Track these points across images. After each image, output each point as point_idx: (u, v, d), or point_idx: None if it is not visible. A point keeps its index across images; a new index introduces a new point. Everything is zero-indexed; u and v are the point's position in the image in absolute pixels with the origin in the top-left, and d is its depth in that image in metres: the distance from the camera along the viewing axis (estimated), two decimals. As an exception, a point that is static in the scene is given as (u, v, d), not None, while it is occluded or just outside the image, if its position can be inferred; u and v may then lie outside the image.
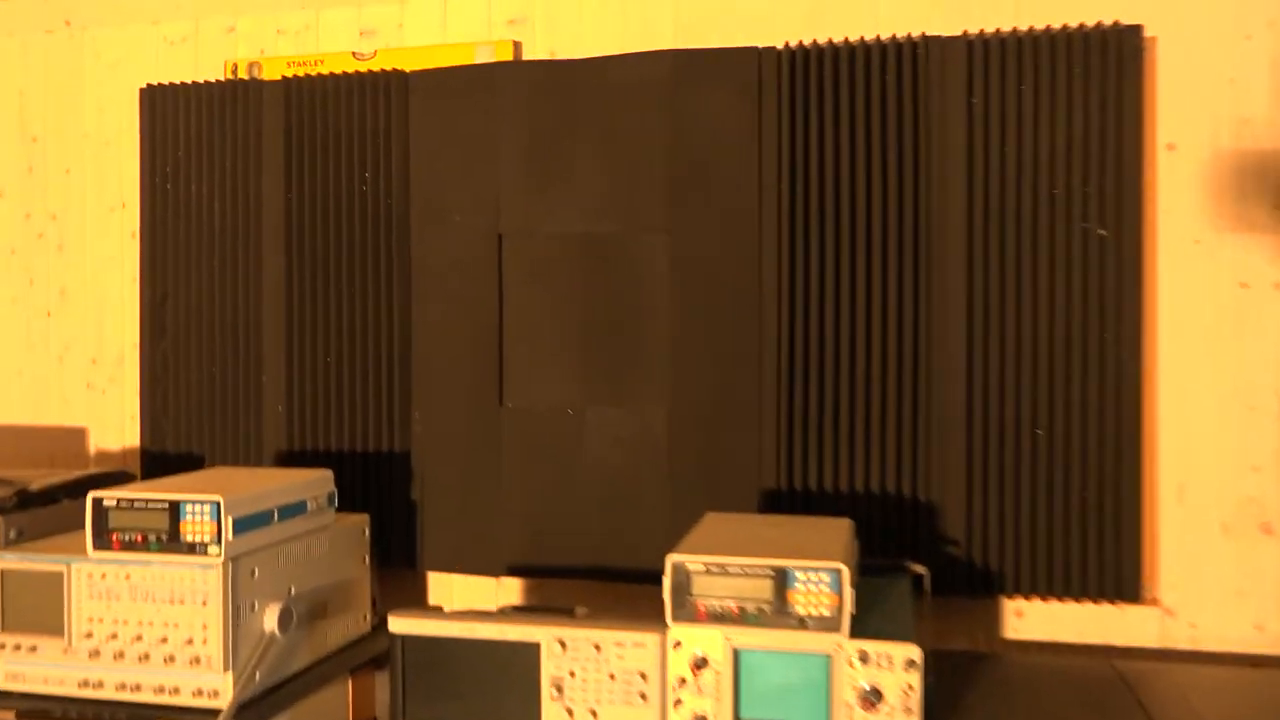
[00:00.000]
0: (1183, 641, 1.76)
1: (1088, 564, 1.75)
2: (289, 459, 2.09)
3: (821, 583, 1.25)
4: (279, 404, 2.09)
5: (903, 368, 1.81)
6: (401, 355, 2.04)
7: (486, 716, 1.44)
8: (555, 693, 1.42)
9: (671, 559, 1.30)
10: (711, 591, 1.28)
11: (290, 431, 2.09)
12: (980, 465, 1.78)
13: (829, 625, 1.25)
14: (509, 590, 2.04)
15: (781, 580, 1.26)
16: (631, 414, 1.91)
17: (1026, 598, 1.79)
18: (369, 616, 1.85)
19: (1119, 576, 1.74)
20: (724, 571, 1.28)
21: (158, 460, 2.18)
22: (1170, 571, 1.76)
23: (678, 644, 1.29)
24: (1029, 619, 1.82)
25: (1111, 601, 1.75)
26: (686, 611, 1.29)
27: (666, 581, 1.30)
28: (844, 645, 1.24)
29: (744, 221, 1.86)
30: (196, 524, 1.47)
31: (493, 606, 2.04)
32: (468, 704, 1.45)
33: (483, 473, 1.98)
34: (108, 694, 1.50)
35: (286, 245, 2.09)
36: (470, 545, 1.99)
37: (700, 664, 1.27)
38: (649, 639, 1.39)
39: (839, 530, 1.48)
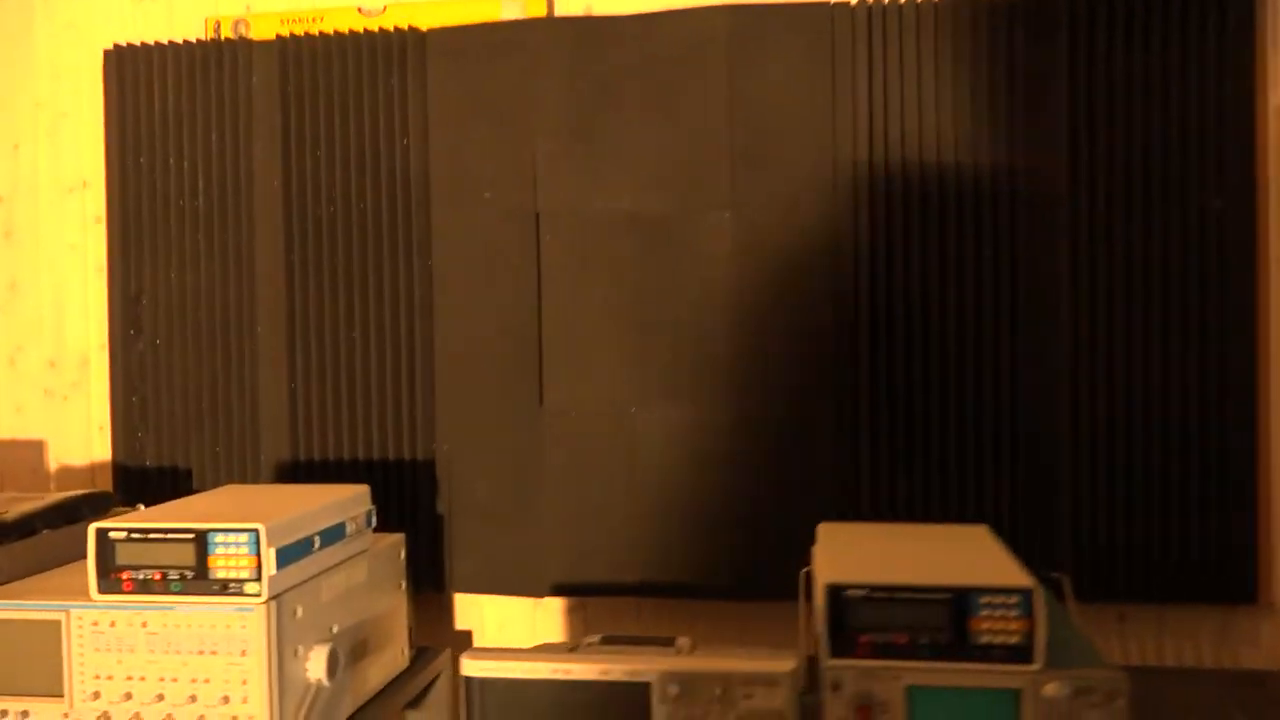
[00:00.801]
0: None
1: (1199, 566, 1.60)
2: (292, 473, 1.84)
3: (1009, 605, 1.07)
4: (281, 407, 1.83)
5: (1000, 357, 1.64)
6: (424, 352, 1.80)
7: (585, 772, 1.23)
8: (670, 742, 1.21)
9: (826, 582, 1.10)
10: (876, 622, 1.09)
11: (294, 441, 1.83)
12: (1087, 464, 1.62)
13: (1019, 655, 1.07)
14: (547, 613, 1.83)
15: (961, 605, 1.08)
16: (689, 416, 1.71)
17: (1134, 603, 1.65)
18: (406, 651, 1.61)
19: (1232, 577, 1.60)
20: (891, 598, 1.09)
21: (134, 477, 1.90)
22: (1286, 570, 1.63)
23: (837, 686, 1.09)
24: (1131, 623, 1.67)
25: (1226, 604, 1.62)
26: (846, 645, 1.10)
27: (821, 611, 1.11)
28: (1037, 678, 1.07)
29: (817, 196, 1.67)
30: (230, 558, 1.22)
31: (533, 631, 1.82)
32: (559, 757, 1.24)
33: (520, 482, 1.76)
34: (120, 765, 1.24)
35: (285, 230, 1.83)
36: (506, 564, 1.77)
37: (867, 707, 1.08)
38: (782, 676, 1.19)
39: (987, 540, 1.30)
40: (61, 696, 1.25)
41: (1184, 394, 1.60)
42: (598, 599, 1.81)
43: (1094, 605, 1.65)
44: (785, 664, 1.20)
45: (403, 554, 1.61)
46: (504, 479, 1.76)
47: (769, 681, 1.19)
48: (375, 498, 1.80)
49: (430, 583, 1.79)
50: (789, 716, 1.19)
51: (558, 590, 1.75)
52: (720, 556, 1.70)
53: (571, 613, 1.81)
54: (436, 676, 1.70)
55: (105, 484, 1.96)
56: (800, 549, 1.60)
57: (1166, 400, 1.60)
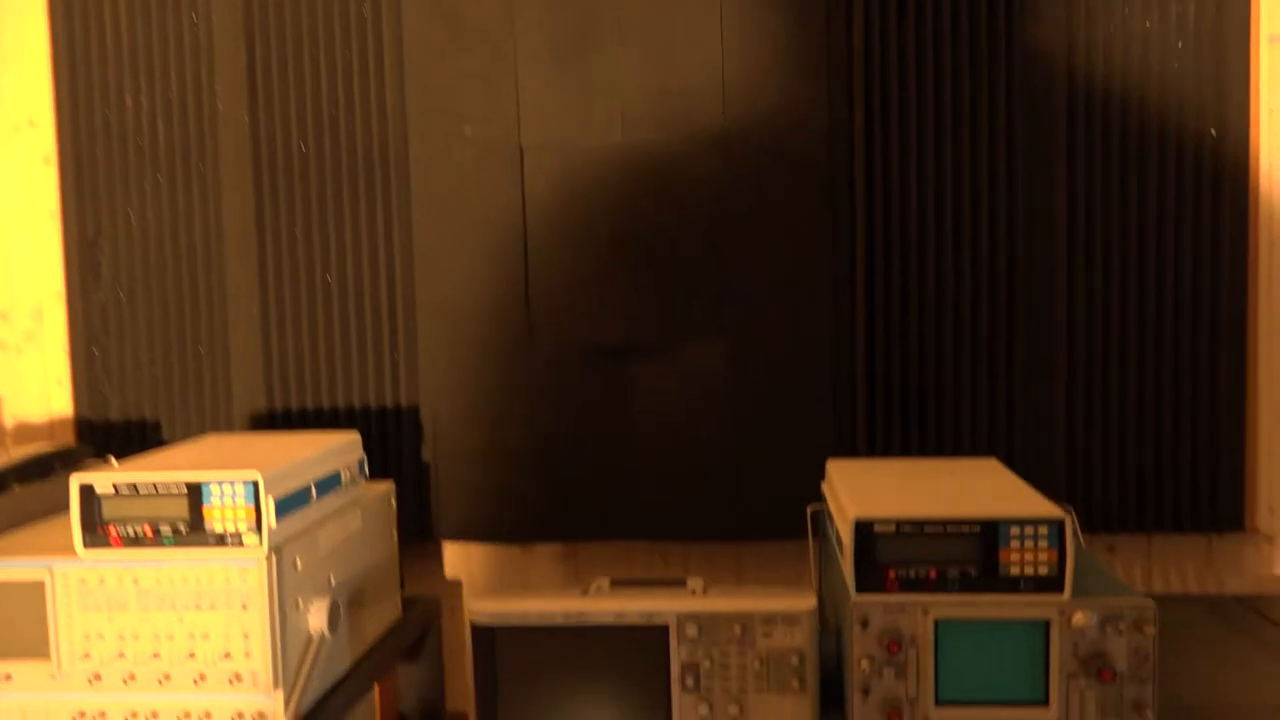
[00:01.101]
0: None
1: (1190, 496, 1.62)
2: (268, 424, 1.77)
3: (1040, 537, 1.05)
4: (254, 354, 1.76)
5: (996, 288, 1.62)
6: (405, 295, 1.74)
7: (601, 716, 1.21)
8: (689, 683, 1.19)
9: (855, 518, 1.08)
10: (905, 556, 1.07)
11: (269, 390, 1.76)
12: (1082, 395, 1.62)
13: (1048, 586, 1.06)
14: (537, 561, 1.79)
15: (990, 537, 1.06)
16: (684, 353, 1.67)
17: (1124, 533, 1.66)
18: (399, 600, 1.57)
19: (1221, 505, 1.62)
20: (920, 532, 1.07)
21: (98, 431, 1.82)
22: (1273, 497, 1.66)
23: (865, 622, 1.08)
24: (1120, 554, 1.69)
25: (1213, 531, 1.64)
26: (874, 581, 1.08)
27: (848, 546, 1.09)
28: (1066, 608, 1.06)
29: (812, 127, 1.63)
30: (227, 509, 1.16)
31: (524, 580, 1.79)
32: (573, 702, 1.21)
33: (509, 427, 1.71)
34: (115, 727, 1.19)
35: (254, 169, 1.74)
36: (495, 511, 1.73)
37: (896, 642, 1.06)
38: (802, 613, 1.18)
39: (1002, 471, 1.29)
40: (47, 657, 1.19)
41: (1176, 321, 1.60)
42: (588, 545, 1.78)
43: (1085, 536, 1.66)
44: (805, 601, 1.18)
45: (393, 502, 1.56)
46: (491, 424, 1.72)
47: (790, 620, 1.18)
48: (358, 446, 1.74)
49: (418, 532, 1.74)
50: (810, 654, 1.18)
51: (548, 536, 1.72)
52: (715, 497, 1.68)
53: (563, 560, 1.78)
54: (429, 627, 1.67)
55: (66, 439, 1.87)
56: (798, 487, 1.58)
57: (1160, 328, 1.61)
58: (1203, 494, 1.62)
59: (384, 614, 1.50)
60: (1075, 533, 1.06)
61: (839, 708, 1.18)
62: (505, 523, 1.73)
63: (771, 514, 1.64)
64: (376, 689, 1.65)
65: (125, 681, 1.18)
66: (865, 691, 1.08)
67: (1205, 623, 1.48)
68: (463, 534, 1.74)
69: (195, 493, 1.17)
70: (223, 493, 1.16)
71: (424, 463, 1.75)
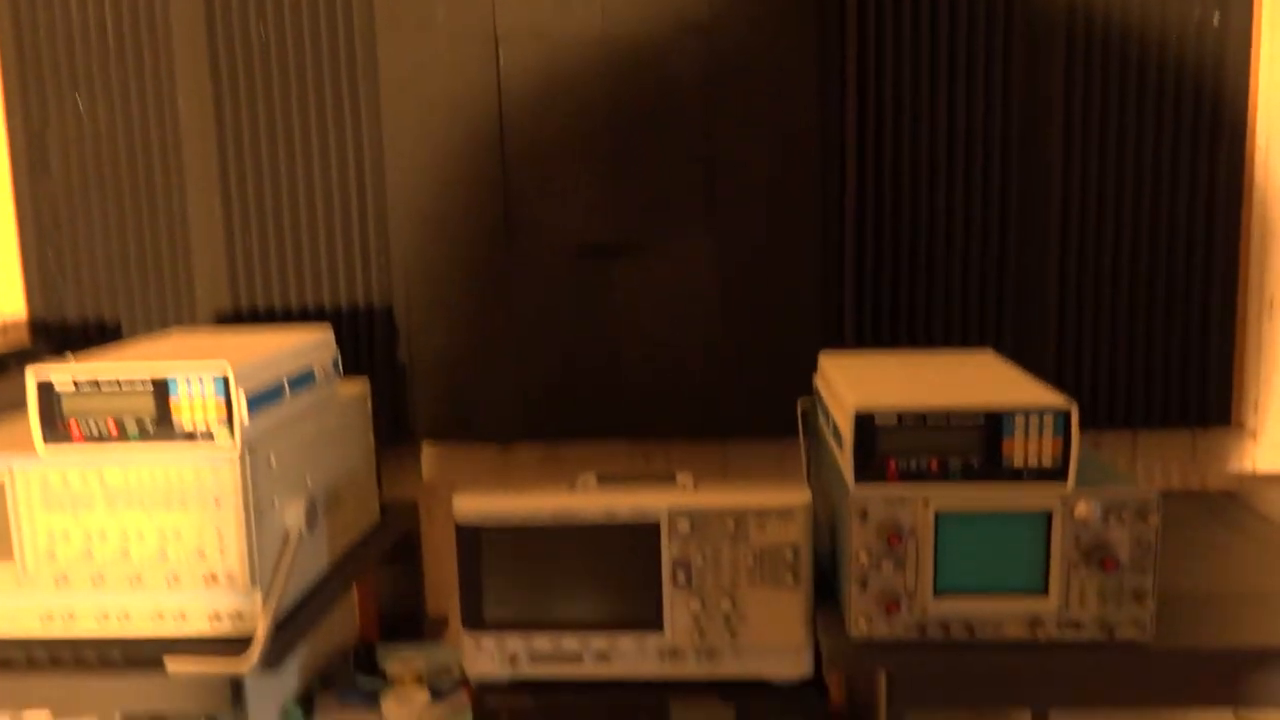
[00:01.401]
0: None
1: (1179, 392, 1.61)
2: (234, 321, 1.70)
3: (1045, 427, 1.03)
4: (217, 249, 1.68)
5: (990, 177, 1.58)
6: (375, 189, 1.66)
7: (589, 614, 1.18)
8: (680, 579, 1.17)
9: (855, 409, 1.04)
10: (906, 448, 1.04)
11: (234, 287, 1.69)
12: (1074, 287, 1.59)
13: (1052, 476, 1.04)
14: (517, 462, 1.75)
15: (995, 428, 1.03)
16: (669, 251, 1.62)
17: (1109, 429, 1.65)
18: (376, 503, 1.53)
19: (1208, 401, 1.61)
20: (923, 423, 1.04)
21: (54, 331, 1.74)
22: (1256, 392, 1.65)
23: (864, 514, 1.05)
24: (1105, 449, 1.68)
25: (1201, 427, 1.63)
26: (874, 471, 1.05)
27: (848, 438, 1.05)
28: (1069, 499, 1.04)
29: (802, 9, 1.56)
30: (195, 404, 1.10)
31: (505, 483, 1.75)
32: (561, 602, 1.18)
33: (488, 327, 1.66)
34: (86, 628, 1.14)
35: (210, 54, 1.64)
36: (473, 413, 1.68)
37: (896, 535, 1.04)
38: (797, 507, 1.15)
39: (998, 362, 1.26)
40: (10, 558, 1.14)
41: (1171, 215, 1.57)
42: (570, 446, 1.74)
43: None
44: (800, 495, 1.15)
45: (369, 402, 1.51)
46: (469, 323, 1.66)
47: (784, 514, 1.15)
48: (329, 346, 1.68)
49: (394, 435, 1.69)
50: (805, 548, 1.15)
51: (530, 435, 1.68)
52: (701, 395, 1.64)
53: (544, 462, 1.74)
54: (409, 530, 1.63)
55: (19, 341, 1.79)
56: (785, 384, 1.54)
57: (1155, 222, 1.57)
58: (1191, 389, 1.60)
59: (362, 516, 1.46)
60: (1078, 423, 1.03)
61: (833, 601, 1.16)
62: (485, 423, 1.68)
63: (758, 411, 1.61)
64: (356, 592, 1.62)
65: (94, 582, 1.14)
66: (863, 584, 1.06)
67: (1192, 516, 1.48)
68: (440, 434, 1.70)
69: (161, 388, 1.10)
70: (190, 387, 1.10)
71: (399, 363, 1.69)
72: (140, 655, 1.12)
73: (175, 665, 1.09)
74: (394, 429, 1.69)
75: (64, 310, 1.73)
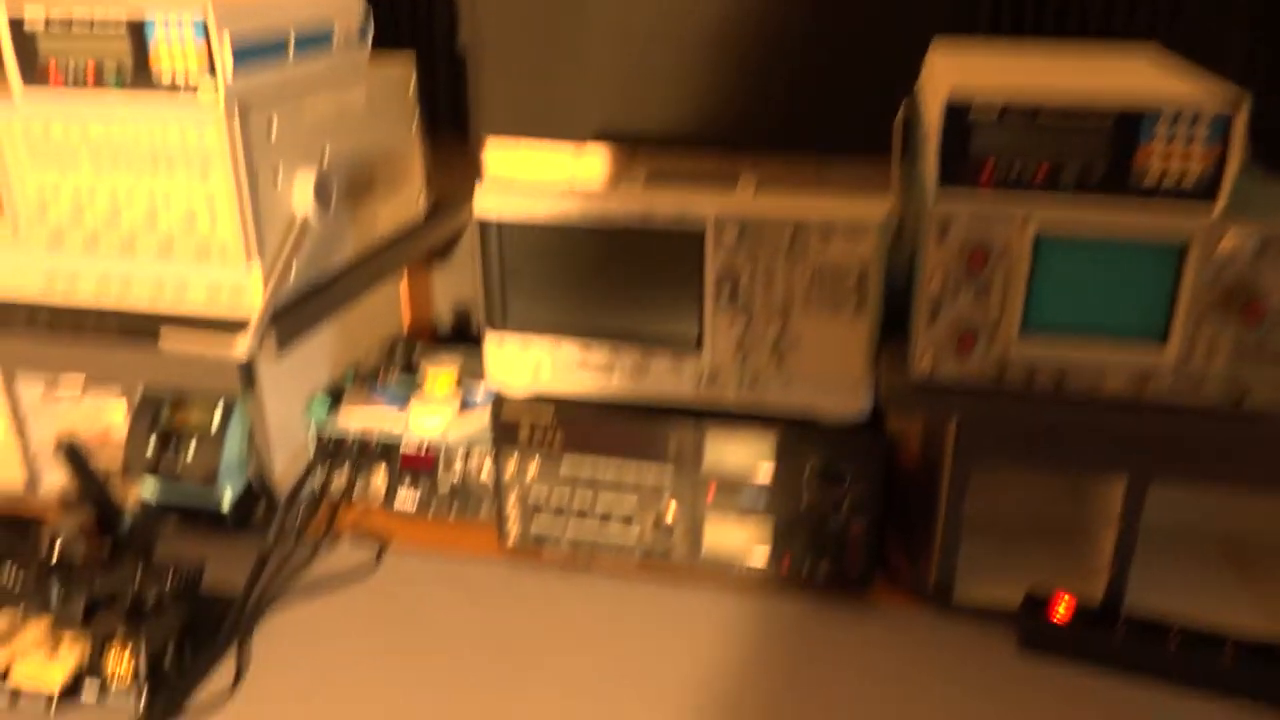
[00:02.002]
0: None
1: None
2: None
3: (1196, 135, 0.78)
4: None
5: None
6: None
7: (621, 326, 1.04)
8: (726, 294, 1.00)
9: (946, 98, 0.82)
10: (1009, 148, 0.82)
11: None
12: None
13: (1196, 196, 0.80)
14: (589, 166, 1.58)
15: (1129, 130, 0.80)
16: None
17: None
18: (423, 197, 1.40)
19: None
20: (1034, 121, 0.81)
21: None
22: None
23: (944, 228, 0.85)
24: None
25: None
26: (965, 175, 0.84)
27: (935, 131, 0.84)
28: (1216, 227, 0.81)
29: None
30: (175, 49, 0.96)
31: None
32: (592, 312, 1.04)
33: (559, 9, 1.44)
34: (86, 291, 1.07)
35: None
36: (541, 106, 1.50)
37: (982, 254, 0.84)
38: (870, 223, 0.95)
39: (1161, 57, 1.00)
40: (2, 213, 1.06)
41: None
42: (649, 152, 1.55)
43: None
44: (875, 210, 0.95)
45: (413, 81, 1.34)
46: (546, 5, 1.45)
47: (853, 230, 0.95)
48: (376, 22, 1.50)
49: (450, 125, 1.53)
50: (874, 272, 0.96)
51: (602, 136, 1.49)
52: (799, 101, 1.41)
53: (619, 168, 1.56)
54: (461, 229, 1.51)
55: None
56: (901, 88, 1.30)
57: None
58: None
59: (399, 210, 1.33)
60: (1245, 133, 0.79)
61: (901, 337, 0.99)
62: (556, 120, 1.50)
63: (856, 124, 1.37)
64: (406, 294, 1.53)
65: (87, 245, 1.05)
66: (934, 314, 0.87)
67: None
68: (502, 129, 1.53)
69: (137, 30, 0.96)
70: (169, 29, 0.96)
71: (459, 50, 1.51)
72: (139, 327, 1.04)
73: (169, 342, 1.01)
74: (453, 119, 1.53)
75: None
